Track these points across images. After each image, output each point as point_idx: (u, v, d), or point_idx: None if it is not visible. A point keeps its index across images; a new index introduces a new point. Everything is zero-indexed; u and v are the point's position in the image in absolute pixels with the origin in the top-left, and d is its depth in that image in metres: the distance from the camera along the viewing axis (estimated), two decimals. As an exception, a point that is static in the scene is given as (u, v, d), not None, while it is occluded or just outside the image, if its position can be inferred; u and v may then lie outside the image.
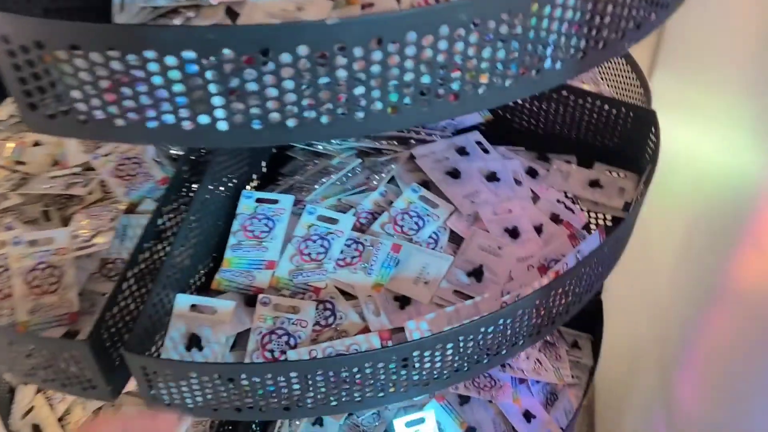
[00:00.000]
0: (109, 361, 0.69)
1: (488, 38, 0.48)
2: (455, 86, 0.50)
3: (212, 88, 0.45)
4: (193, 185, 0.82)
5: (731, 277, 0.88)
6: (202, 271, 0.83)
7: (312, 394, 0.68)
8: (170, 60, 0.43)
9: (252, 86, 0.45)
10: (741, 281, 0.85)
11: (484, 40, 0.48)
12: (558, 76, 0.54)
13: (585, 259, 0.79)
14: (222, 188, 0.85)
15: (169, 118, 0.47)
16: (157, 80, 0.44)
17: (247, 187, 0.93)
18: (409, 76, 0.47)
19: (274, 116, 0.47)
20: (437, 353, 0.69)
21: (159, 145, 0.74)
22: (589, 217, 0.93)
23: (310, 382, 0.67)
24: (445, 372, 0.72)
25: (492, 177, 0.91)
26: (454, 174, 0.90)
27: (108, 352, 0.69)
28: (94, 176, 0.94)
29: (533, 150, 1.02)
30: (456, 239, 0.84)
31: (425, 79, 0.48)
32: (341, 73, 0.46)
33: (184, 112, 0.46)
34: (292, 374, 0.66)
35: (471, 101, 0.51)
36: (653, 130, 0.94)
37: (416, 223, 0.82)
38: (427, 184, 0.90)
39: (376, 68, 0.46)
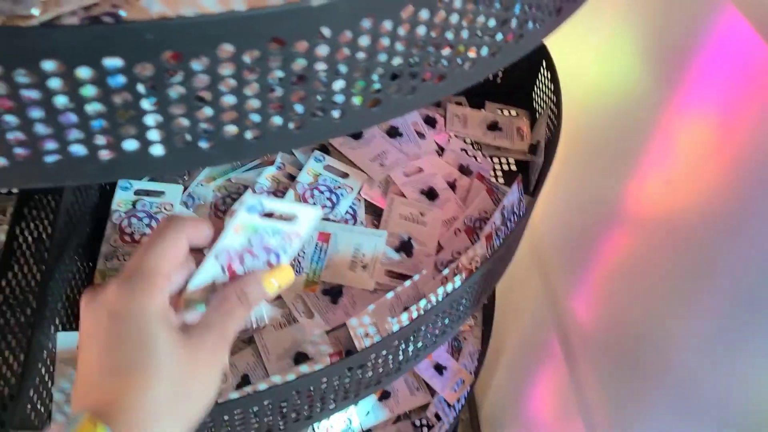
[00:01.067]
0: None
1: (486, 4, 0.39)
2: (443, 65, 0.40)
3: (146, 104, 0.31)
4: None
5: (626, 200, 0.89)
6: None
7: (257, 424, 0.58)
8: (84, 72, 0.29)
9: (203, 94, 0.32)
10: (638, 204, 0.87)
11: (479, 7, 0.38)
12: (536, 37, 0.46)
13: (514, 218, 0.75)
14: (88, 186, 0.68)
15: (79, 150, 0.32)
16: (61, 101, 0.30)
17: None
18: (397, 61, 0.37)
19: (230, 129, 0.35)
20: (391, 351, 0.62)
21: (62, 184, 0.53)
22: (492, 162, 0.89)
23: (256, 411, 0.57)
24: (398, 365, 0.66)
25: (394, 132, 0.83)
26: (355, 135, 0.80)
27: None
28: None
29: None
30: (371, 209, 0.76)
31: (414, 62, 0.38)
32: (321, 66, 0.34)
33: (101, 139, 0.32)
34: (236, 411, 0.55)
35: (457, 80, 0.42)
36: (545, 63, 0.91)
37: (329, 199, 0.72)
38: (325, 148, 0.79)
39: (361, 55, 0.35)
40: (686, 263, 0.72)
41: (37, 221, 0.63)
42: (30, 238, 0.62)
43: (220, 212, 0.72)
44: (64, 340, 0.59)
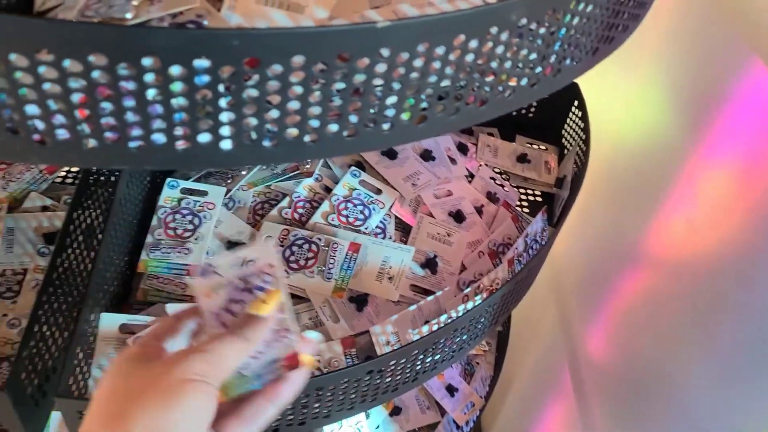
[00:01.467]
0: (26, 402, 0.57)
1: (529, 39, 0.42)
2: (485, 91, 0.44)
3: (223, 102, 0.36)
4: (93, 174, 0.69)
5: (647, 241, 0.92)
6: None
7: (278, 416, 0.62)
8: (175, 69, 0.33)
9: (272, 98, 0.36)
10: (658, 245, 0.89)
11: (523, 41, 0.42)
12: (573, 73, 0.50)
13: (536, 246, 0.78)
14: (140, 177, 0.72)
15: (159, 138, 0.37)
16: (151, 93, 0.34)
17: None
18: (445, 83, 0.41)
19: (291, 132, 0.39)
20: (410, 360, 0.65)
21: (141, 168, 0.57)
22: (519, 192, 0.92)
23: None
24: (416, 374, 0.68)
25: (427, 155, 0.87)
26: (390, 154, 0.84)
27: (28, 396, 0.57)
28: (-45, 164, 0.77)
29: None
30: (401, 226, 0.80)
31: (460, 86, 0.42)
32: (377, 82, 0.38)
33: (179, 131, 0.37)
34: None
35: (497, 105, 0.45)
36: (576, 103, 0.94)
37: (362, 212, 0.76)
38: (360, 164, 0.84)
39: (414, 75, 0.39)
40: (702, 305, 0.75)
41: (91, 210, 0.68)
42: (83, 225, 0.66)
43: (258, 215, 0.76)
44: (106, 321, 0.63)
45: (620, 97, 1.02)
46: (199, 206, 0.72)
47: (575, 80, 0.96)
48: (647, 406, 0.85)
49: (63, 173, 0.79)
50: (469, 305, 0.68)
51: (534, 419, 1.27)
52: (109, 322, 0.62)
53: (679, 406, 0.77)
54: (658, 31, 0.89)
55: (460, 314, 0.66)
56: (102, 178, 0.69)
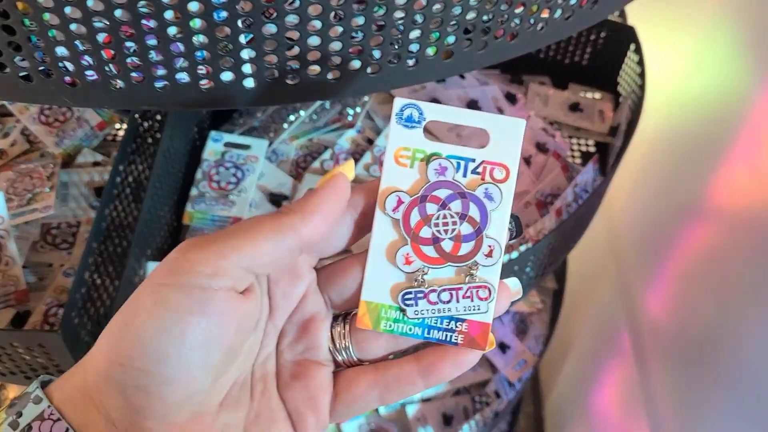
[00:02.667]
0: (80, 345, 0.60)
1: (560, -34, 0.41)
2: (515, 24, 0.42)
3: (243, 38, 0.36)
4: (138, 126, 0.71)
5: (709, 194, 0.88)
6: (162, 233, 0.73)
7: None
8: (193, 6, 0.33)
9: (291, 34, 0.36)
10: (722, 197, 0.85)
11: (555, -32, 0.41)
12: (613, 5, 0.47)
13: (586, 196, 0.76)
14: (184, 131, 0.74)
15: (183, 77, 0.37)
16: (172, 31, 0.34)
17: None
18: (471, 15, 0.40)
19: (313, 69, 0.38)
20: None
21: (168, 109, 0.58)
22: (570, 142, 0.90)
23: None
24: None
25: (473, 105, 0.85)
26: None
27: (80, 337, 0.59)
28: (14, 124, 0.80)
29: (502, 71, 0.97)
30: (445, 177, 0.79)
31: (487, 19, 0.40)
32: (398, 14, 0.37)
33: (202, 69, 0.37)
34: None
35: (528, 40, 0.44)
36: (633, 47, 0.90)
37: (405, 164, 0.75)
38: (405, 117, 0.83)
39: (437, 6, 0.38)
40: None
41: (137, 164, 0.70)
42: (130, 178, 0.68)
43: (300, 168, 0.76)
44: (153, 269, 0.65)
45: (683, 43, 0.97)
46: (243, 159, 0.73)
47: (631, 24, 0.92)
48: (709, 368, 0.82)
49: (114, 131, 0.82)
50: (514, 255, 0.67)
51: (593, 379, 1.26)
52: (157, 270, 0.64)
53: (744, 370, 0.74)
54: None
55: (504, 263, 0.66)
56: (147, 133, 0.71)
